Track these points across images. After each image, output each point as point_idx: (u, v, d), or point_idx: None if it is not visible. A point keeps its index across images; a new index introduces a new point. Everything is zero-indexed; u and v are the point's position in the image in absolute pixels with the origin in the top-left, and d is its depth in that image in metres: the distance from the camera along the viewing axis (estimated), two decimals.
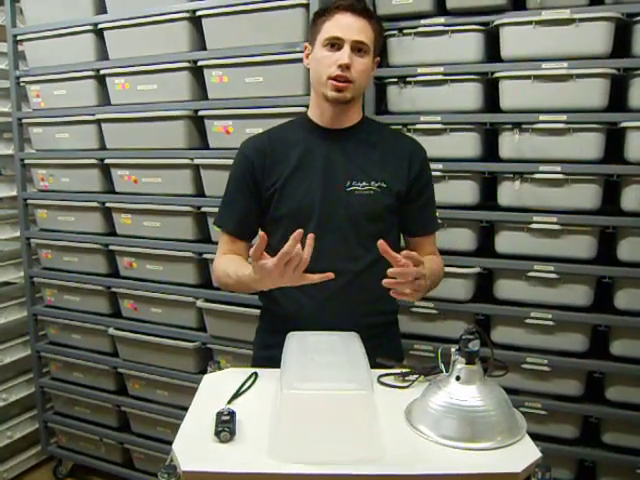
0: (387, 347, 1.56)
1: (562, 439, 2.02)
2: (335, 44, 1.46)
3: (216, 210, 1.66)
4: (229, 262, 1.54)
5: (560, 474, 2.03)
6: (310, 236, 1.25)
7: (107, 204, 2.58)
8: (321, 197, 1.51)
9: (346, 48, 1.44)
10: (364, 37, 1.46)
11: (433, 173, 1.68)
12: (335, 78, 1.45)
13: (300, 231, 1.23)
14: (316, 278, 1.30)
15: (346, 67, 1.44)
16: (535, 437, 1.09)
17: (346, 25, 1.46)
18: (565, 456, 2.03)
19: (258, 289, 1.44)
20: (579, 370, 1.98)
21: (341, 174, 1.53)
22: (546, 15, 1.86)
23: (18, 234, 2.85)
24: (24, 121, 2.74)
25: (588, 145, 1.87)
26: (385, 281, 1.28)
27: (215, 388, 1.30)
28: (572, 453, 2.02)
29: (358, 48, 1.46)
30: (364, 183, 1.52)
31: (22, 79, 2.70)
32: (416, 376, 1.31)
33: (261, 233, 1.27)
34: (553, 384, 2.01)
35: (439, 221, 1.70)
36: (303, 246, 1.25)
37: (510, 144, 1.96)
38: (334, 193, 1.52)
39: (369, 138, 1.58)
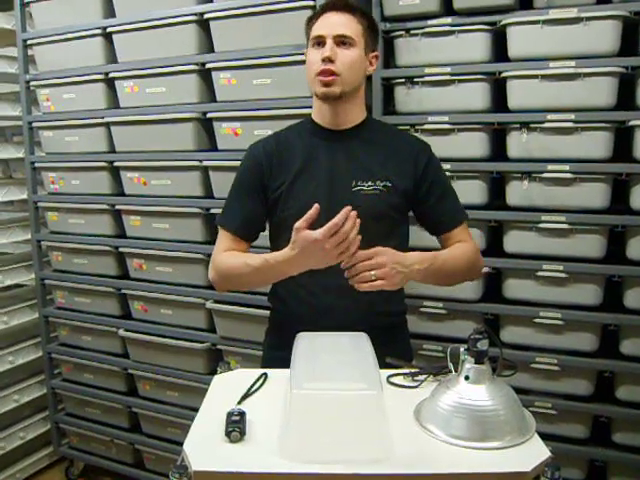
0: (396, 348, 1.56)
1: (572, 439, 2.02)
2: (320, 42, 1.50)
3: None
4: (245, 254, 1.56)
5: (571, 474, 2.03)
6: (357, 221, 1.31)
7: (117, 206, 2.59)
8: (327, 198, 1.51)
9: (328, 42, 1.48)
10: (346, 30, 1.49)
11: None
12: (321, 73, 1.48)
13: (349, 208, 1.30)
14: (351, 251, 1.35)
15: (329, 60, 1.46)
16: (545, 437, 1.09)
17: (329, 22, 1.50)
18: (576, 456, 2.02)
19: (287, 271, 1.44)
20: (589, 370, 1.97)
21: (346, 174, 1.53)
22: (553, 14, 1.85)
23: (29, 237, 2.87)
24: (34, 125, 2.76)
25: (596, 144, 1.87)
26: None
27: (225, 389, 1.31)
28: (583, 453, 2.01)
29: (342, 42, 1.49)
30: (369, 183, 1.53)
31: (32, 83, 2.72)
32: (425, 376, 1.32)
33: (316, 205, 1.32)
34: (563, 384, 2.01)
35: (465, 212, 1.65)
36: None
37: (518, 143, 1.96)
38: (340, 194, 1.52)
39: (373, 137, 1.59)
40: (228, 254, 1.58)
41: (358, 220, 1.32)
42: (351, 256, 1.35)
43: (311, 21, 1.56)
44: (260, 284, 1.62)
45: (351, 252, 1.34)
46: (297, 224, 1.34)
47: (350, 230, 1.31)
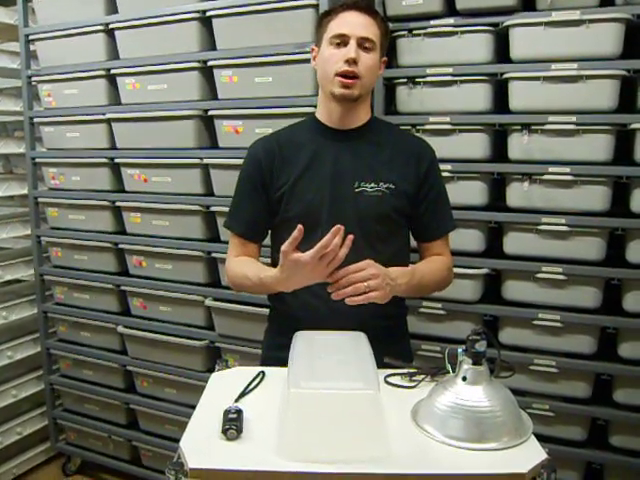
0: (395, 349, 1.55)
1: (570, 441, 2.02)
2: (341, 41, 1.47)
3: (225, 210, 1.67)
4: (247, 265, 1.55)
5: (568, 476, 2.03)
6: (349, 237, 1.29)
7: (117, 203, 2.59)
8: (330, 198, 1.51)
9: (352, 43, 1.46)
10: (369, 33, 1.48)
11: (442, 174, 1.67)
12: (342, 74, 1.46)
13: (339, 226, 1.27)
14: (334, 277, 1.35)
15: (353, 62, 1.45)
16: (543, 439, 1.09)
17: (351, 22, 1.48)
18: (573, 458, 2.02)
19: (279, 290, 1.45)
20: (587, 372, 1.97)
21: (350, 175, 1.53)
22: (556, 16, 1.85)
23: (29, 232, 2.88)
24: (35, 120, 2.76)
25: (597, 146, 1.87)
26: (335, 295, 1.35)
27: (223, 386, 1.31)
28: (580, 455, 2.01)
29: (364, 45, 1.47)
30: (372, 184, 1.52)
31: (34, 78, 2.72)
32: (423, 376, 1.32)
33: (299, 226, 1.28)
34: (561, 386, 2.01)
35: (454, 222, 1.66)
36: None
37: (519, 145, 1.96)
38: (343, 194, 1.52)
39: (378, 138, 1.58)
40: (236, 262, 1.59)
41: (350, 236, 1.29)
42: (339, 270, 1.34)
43: (327, 16, 1.52)
44: (262, 294, 1.65)
45: (336, 264, 1.32)
46: (284, 247, 1.31)
47: (338, 246, 1.28)
